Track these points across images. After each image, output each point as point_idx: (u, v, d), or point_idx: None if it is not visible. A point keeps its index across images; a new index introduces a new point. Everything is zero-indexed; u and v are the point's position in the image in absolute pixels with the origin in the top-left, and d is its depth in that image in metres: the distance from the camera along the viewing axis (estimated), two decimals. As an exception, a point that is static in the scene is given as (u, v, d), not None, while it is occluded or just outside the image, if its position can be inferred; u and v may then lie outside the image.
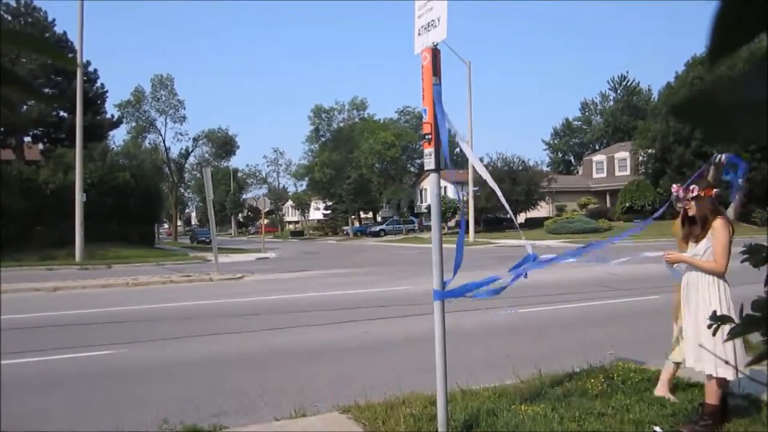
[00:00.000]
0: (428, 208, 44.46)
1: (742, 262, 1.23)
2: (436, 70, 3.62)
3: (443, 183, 3.65)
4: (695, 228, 4.18)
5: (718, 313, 1.17)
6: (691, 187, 4.12)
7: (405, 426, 3.99)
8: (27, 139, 34.68)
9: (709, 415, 3.83)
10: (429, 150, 3.64)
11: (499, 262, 20.20)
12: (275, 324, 8.90)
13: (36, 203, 24.69)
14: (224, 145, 62.56)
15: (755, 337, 0.93)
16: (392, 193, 58.96)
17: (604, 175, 55.14)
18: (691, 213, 4.18)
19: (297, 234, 70.42)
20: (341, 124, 60.59)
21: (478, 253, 26.22)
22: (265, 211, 37.52)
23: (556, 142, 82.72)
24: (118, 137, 74.55)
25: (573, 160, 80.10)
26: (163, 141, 57.10)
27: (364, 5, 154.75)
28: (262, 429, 4.27)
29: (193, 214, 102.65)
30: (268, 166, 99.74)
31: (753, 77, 0.40)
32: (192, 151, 61.64)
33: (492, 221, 46.60)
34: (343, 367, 6.21)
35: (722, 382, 3.83)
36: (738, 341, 3.77)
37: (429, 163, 3.66)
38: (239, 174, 77.29)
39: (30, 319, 9.32)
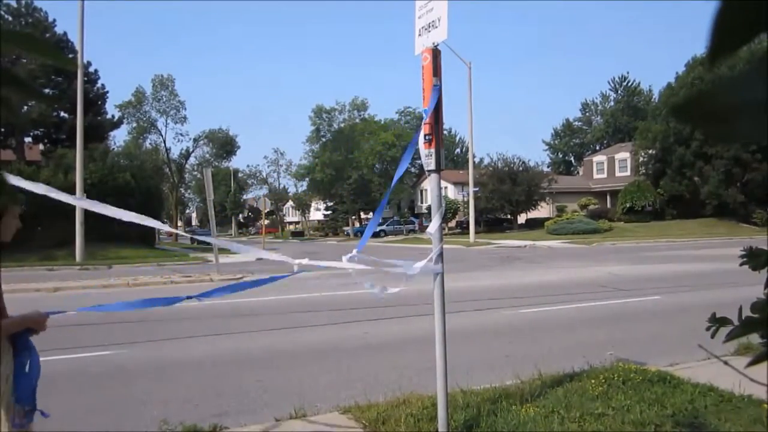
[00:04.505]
0: (428, 208, 44.46)
1: (741, 264, 1.22)
2: (436, 71, 3.62)
3: (444, 183, 3.65)
4: None
5: None
6: None
7: (405, 426, 3.99)
8: (27, 139, 34.70)
9: None
10: (429, 150, 3.64)
11: (501, 262, 20.19)
12: (275, 324, 8.90)
13: (36, 203, 24.65)
14: (225, 145, 62.53)
15: (755, 338, 0.93)
16: (393, 193, 58.93)
17: (605, 175, 55.13)
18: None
19: (297, 234, 70.41)
20: (342, 125, 60.59)
21: (479, 253, 26.21)
22: (266, 211, 37.51)
23: (556, 142, 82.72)
24: (119, 138, 74.64)
25: (573, 161, 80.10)
26: (164, 141, 57.17)
27: (365, 5, 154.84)
28: (262, 429, 4.27)
29: (194, 215, 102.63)
30: (268, 166, 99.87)
31: (753, 77, 0.40)
32: (192, 151, 61.66)
33: (492, 222, 46.62)
34: (343, 367, 6.21)
35: None
36: None
37: (429, 163, 3.66)
38: (240, 174, 77.29)
39: (30, 320, 9.28)
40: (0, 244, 2.55)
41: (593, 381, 4.75)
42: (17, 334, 2.41)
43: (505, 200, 43.40)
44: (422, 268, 3.52)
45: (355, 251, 3.36)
